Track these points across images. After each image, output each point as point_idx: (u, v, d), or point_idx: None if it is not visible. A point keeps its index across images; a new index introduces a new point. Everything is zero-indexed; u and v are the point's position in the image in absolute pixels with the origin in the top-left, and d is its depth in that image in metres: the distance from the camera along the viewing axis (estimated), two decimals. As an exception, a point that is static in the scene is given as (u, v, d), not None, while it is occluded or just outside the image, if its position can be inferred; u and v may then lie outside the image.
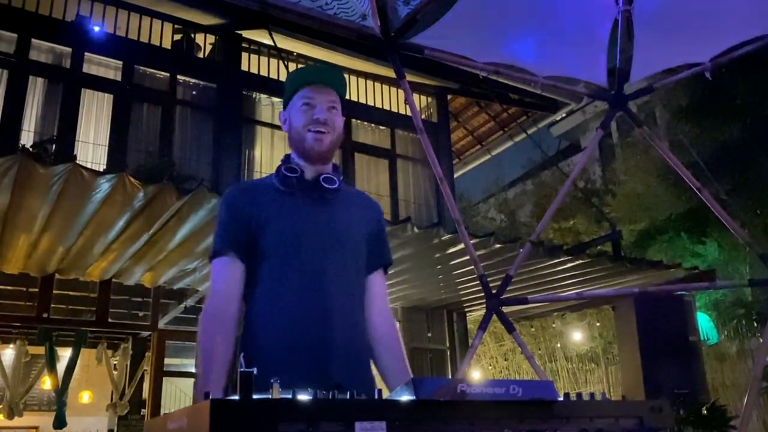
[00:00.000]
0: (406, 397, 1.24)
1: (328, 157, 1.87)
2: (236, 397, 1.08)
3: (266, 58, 9.43)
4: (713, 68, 4.95)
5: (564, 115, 13.94)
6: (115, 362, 8.83)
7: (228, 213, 1.81)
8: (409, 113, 6.85)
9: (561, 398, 1.39)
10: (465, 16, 4.67)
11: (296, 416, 1.10)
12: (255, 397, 1.09)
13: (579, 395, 1.43)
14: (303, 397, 1.15)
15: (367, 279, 1.90)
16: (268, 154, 9.11)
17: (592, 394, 1.45)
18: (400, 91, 9.95)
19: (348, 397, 1.17)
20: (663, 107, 11.33)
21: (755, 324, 9.15)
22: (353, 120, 10.02)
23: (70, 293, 7.55)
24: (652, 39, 4.98)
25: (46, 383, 8.01)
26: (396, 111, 10.40)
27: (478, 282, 5.52)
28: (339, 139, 1.88)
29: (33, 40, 7.85)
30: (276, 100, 9.41)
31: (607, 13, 4.97)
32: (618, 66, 5.22)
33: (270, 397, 1.11)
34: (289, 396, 1.14)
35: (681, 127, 10.19)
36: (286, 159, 1.86)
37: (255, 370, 1.11)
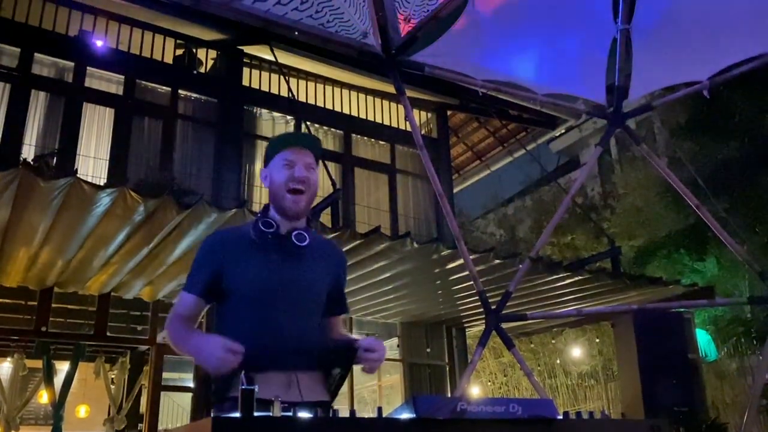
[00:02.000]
0: (406, 415, 1.25)
1: (304, 215, 2.05)
2: (237, 415, 1.09)
3: (267, 74, 9.48)
4: (711, 87, 4.99)
5: (563, 131, 13.98)
6: (113, 376, 8.80)
7: (203, 258, 2.03)
8: (409, 128, 6.87)
9: (561, 416, 1.40)
10: (466, 34, 4.71)
11: (297, 434, 1.11)
12: (256, 414, 1.10)
13: (579, 414, 1.43)
14: (304, 414, 1.16)
15: (328, 320, 2.09)
16: (268, 169, 9.12)
17: (591, 413, 1.45)
18: (400, 107, 10.00)
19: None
20: (662, 124, 11.39)
21: (754, 342, 9.13)
22: (353, 135, 10.06)
23: (69, 307, 7.54)
24: (651, 57, 5.02)
25: (43, 397, 7.98)
26: (396, 126, 10.45)
27: (477, 297, 5.52)
28: (314, 196, 2.07)
29: (36, 54, 7.90)
30: (277, 114, 9.46)
31: (606, 32, 5.02)
32: (617, 84, 5.26)
33: (271, 414, 1.12)
34: (290, 414, 1.15)
35: (680, 144, 10.23)
36: (264, 211, 2.05)
37: (257, 388, 1.11)
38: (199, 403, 7.50)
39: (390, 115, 10.49)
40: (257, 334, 1.91)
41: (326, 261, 2.09)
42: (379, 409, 1.25)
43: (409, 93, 5.39)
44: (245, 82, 9.28)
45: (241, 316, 1.96)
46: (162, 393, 7.63)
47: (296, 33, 4.43)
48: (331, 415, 1.17)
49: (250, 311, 1.94)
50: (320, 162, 2.10)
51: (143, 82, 8.55)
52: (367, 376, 10.43)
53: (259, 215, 2.02)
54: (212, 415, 1.09)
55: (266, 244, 1.96)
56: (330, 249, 2.18)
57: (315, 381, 1.96)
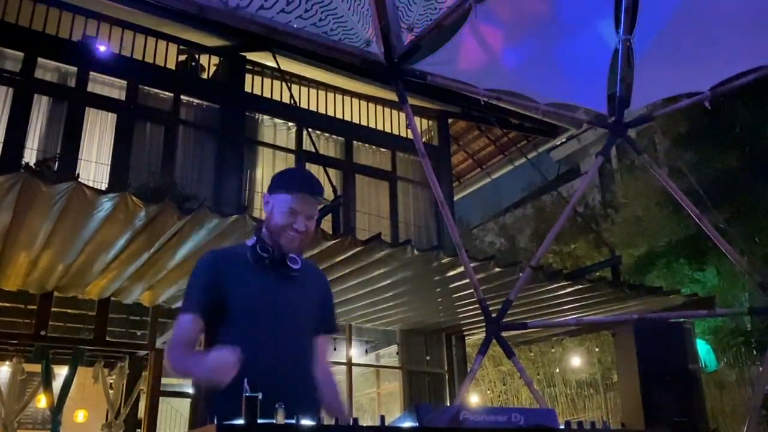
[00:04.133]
0: (408, 424, 1.25)
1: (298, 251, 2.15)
2: (242, 422, 1.10)
3: (269, 80, 9.51)
4: (712, 97, 5.00)
5: (564, 139, 14.01)
6: (112, 381, 8.78)
7: (201, 278, 2.08)
8: (410, 136, 6.90)
9: (562, 426, 1.40)
10: (468, 44, 4.73)
11: (300, 441, 1.11)
12: (260, 421, 1.10)
13: (580, 423, 1.43)
14: (307, 422, 1.16)
15: (314, 339, 2.18)
16: (269, 175, 9.09)
17: (593, 423, 1.46)
18: (402, 114, 10.02)
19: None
20: (663, 134, 11.41)
21: (754, 352, 9.12)
22: (354, 142, 10.08)
23: (69, 311, 7.52)
24: (653, 68, 5.04)
25: (42, 401, 7.95)
26: (397, 133, 10.47)
27: (477, 305, 5.52)
28: (310, 237, 2.16)
29: (39, 59, 7.92)
30: (278, 121, 9.47)
31: (608, 42, 5.04)
32: (618, 94, 5.28)
33: (275, 422, 1.12)
34: (293, 421, 1.15)
35: (680, 154, 10.25)
36: (259, 235, 2.13)
37: (260, 395, 1.12)
38: (197, 409, 7.48)
39: (391, 122, 10.52)
40: (256, 351, 1.96)
41: (312, 282, 2.21)
42: (382, 418, 1.26)
43: (411, 100, 5.41)
44: (247, 89, 9.30)
45: (240, 334, 2.00)
46: (161, 398, 7.61)
47: (286, 36, 4.44)
48: (334, 422, 1.18)
49: (250, 329, 2.01)
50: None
51: (146, 88, 8.57)
52: (366, 383, 10.42)
53: (255, 238, 2.12)
54: (215, 422, 1.09)
55: (262, 266, 2.06)
56: (315, 271, 2.32)
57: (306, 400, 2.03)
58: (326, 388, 2.19)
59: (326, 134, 9.87)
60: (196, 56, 9.19)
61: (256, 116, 9.37)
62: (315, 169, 9.31)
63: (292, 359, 2.03)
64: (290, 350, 2.04)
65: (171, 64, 8.88)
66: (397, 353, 9.42)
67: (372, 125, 10.32)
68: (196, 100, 8.96)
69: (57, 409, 7.27)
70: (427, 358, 9.50)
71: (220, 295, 2.03)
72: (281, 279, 2.08)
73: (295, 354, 2.05)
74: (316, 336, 2.19)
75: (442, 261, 6.57)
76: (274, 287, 2.07)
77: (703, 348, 8.97)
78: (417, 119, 9.82)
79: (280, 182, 2.14)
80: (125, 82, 8.41)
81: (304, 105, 9.64)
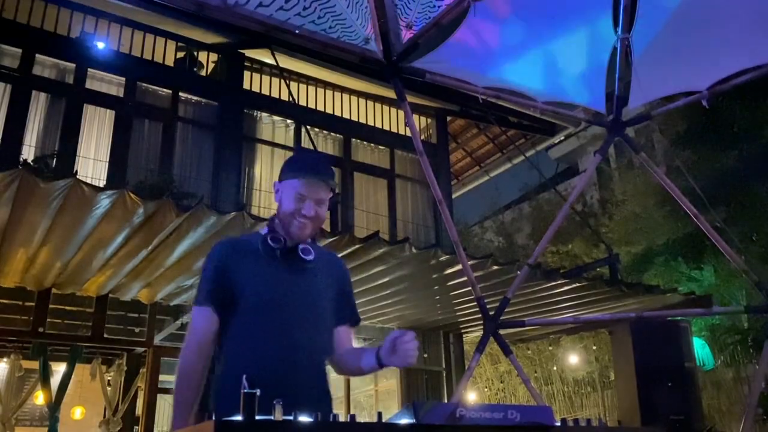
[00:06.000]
0: (405, 421, 1.26)
1: (308, 238, 2.10)
2: (240, 418, 1.10)
3: (268, 77, 9.50)
4: (710, 97, 5.01)
5: (562, 138, 14.02)
6: (110, 378, 8.78)
7: (214, 269, 2.04)
8: (408, 133, 6.91)
9: (558, 423, 1.41)
10: (467, 42, 4.73)
11: (298, 438, 1.12)
12: (258, 418, 1.11)
13: (576, 421, 1.44)
14: (304, 418, 1.17)
15: (336, 330, 2.13)
16: (268, 172, 9.14)
17: (588, 420, 1.46)
18: (400, 112, 10.03)
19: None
20: (661, 133, 11.43)
21: (751, 351, 9.14)
22: (353, 139, 10.08)
23: (67, 308, 7.53)
24: (651, 67, 5.04)
25: (39, 398, 7.95)
26: (396, 131, 10.47)
27: (475, 303, 5.53)
28: (321, 223, 2.11)
29: (37, 55, 7.91)
30: (276, 118, 9.47)
31: (606, 41, 5.04)
32: (616, 92, 5.28)
33: (273, 418, 1.13)
34: (291, 418, 1.16)
35: (678, 153, 10.26)
36: (272, 225, 2.08)
37: (258, 392, 1.12)
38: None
39: (390, 120, 10.52)
40: (268, 344, 1.95)
41: (329, 271, 2.14)
42: (379, 414, 1.26)
43: (410, 99, 5.41)
44: (246, 86, 9.30)
45: (250, 326, 1.98)
46: (158, 395, 7.62)
47: (297, 31, 4.43)
48: (331, 419, 1.18)
49: (260, 322, 1.98)
50: (333, 191, 2.08)
51: (144, 85, 8.57)
52: (364, 380, 10.41)
53: (267, 229, 2.07)
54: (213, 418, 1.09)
55: (273, 257, 2.01)
56: (332, 259, 2.25)
57: (318, 393, 2.02)
58: (354, 355, 2.10)
59: (325, 132, 9.87)
60: (195, 53, 9.18)
61: (255, 113, 9.37)
62: (313, 167, 9.32)
63: (302, 353, 1.97)
64: (300, 344, 1.97)
65: (169, 61, 8.88)
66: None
67: (370, 123, 10.32)
68: (195, 97, 8.95)
69: (55, 405, 7.26)
70: (425, 355, 9.52)
71: (228, 286, 1.99)
72: (293, 270, 2.03)
73: (305, 348, 1.98)
74: (334, 328, 2.12)
75: (440, 259, 6.57)
76: (285, 279, 2.02)
77: (699, 346, 8.98)
78: (415, 117, 9.83)
79: (288, 168, 2.08)
80: (123, 78, 8.40)
81: (302, 102, 9.64)
